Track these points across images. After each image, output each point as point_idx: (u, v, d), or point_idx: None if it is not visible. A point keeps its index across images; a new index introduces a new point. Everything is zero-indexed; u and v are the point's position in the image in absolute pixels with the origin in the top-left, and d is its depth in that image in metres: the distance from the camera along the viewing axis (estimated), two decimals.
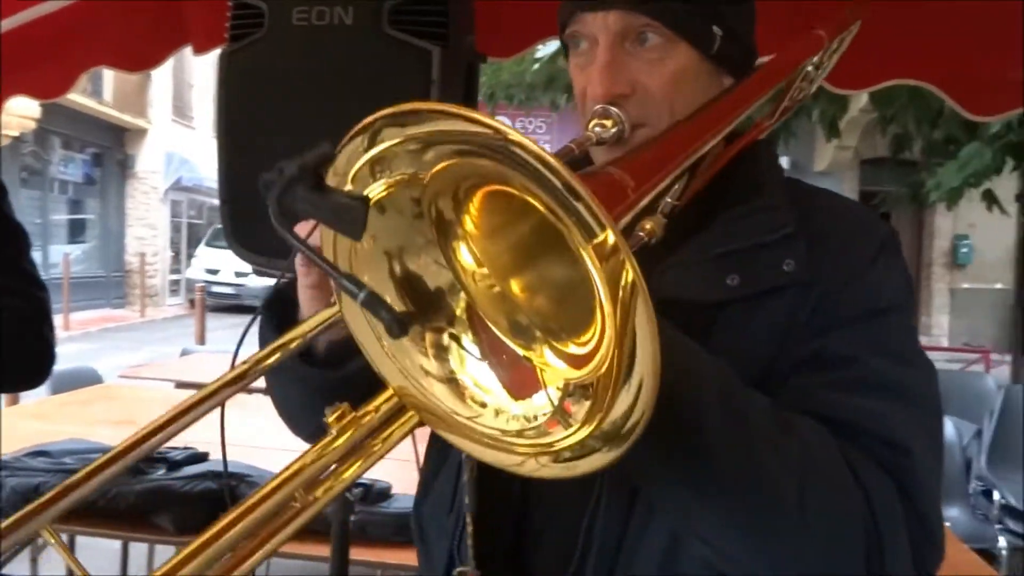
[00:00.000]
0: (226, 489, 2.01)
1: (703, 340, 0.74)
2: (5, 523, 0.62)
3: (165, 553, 3.27)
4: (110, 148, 16.39)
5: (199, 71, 18.41)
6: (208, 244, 17.36)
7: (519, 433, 0.61)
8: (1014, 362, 8.42)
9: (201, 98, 19.01)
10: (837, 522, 0.68)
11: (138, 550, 3.23)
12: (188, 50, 2.33)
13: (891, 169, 10.37)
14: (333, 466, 0.69)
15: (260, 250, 1.69)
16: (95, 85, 14.21)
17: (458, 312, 0.66)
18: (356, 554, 1.87)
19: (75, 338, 12.24)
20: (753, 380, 0.73)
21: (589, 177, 0.62)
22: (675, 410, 0.63)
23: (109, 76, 14.00)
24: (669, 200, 0.78)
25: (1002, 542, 3.45)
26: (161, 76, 16.42)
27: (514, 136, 0.51)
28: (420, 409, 0.67)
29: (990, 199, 6.57)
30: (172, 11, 2.28)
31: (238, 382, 0.72)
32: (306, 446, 0.70)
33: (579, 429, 0.58)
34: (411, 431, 0.71)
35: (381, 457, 0.71)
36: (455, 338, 0.66)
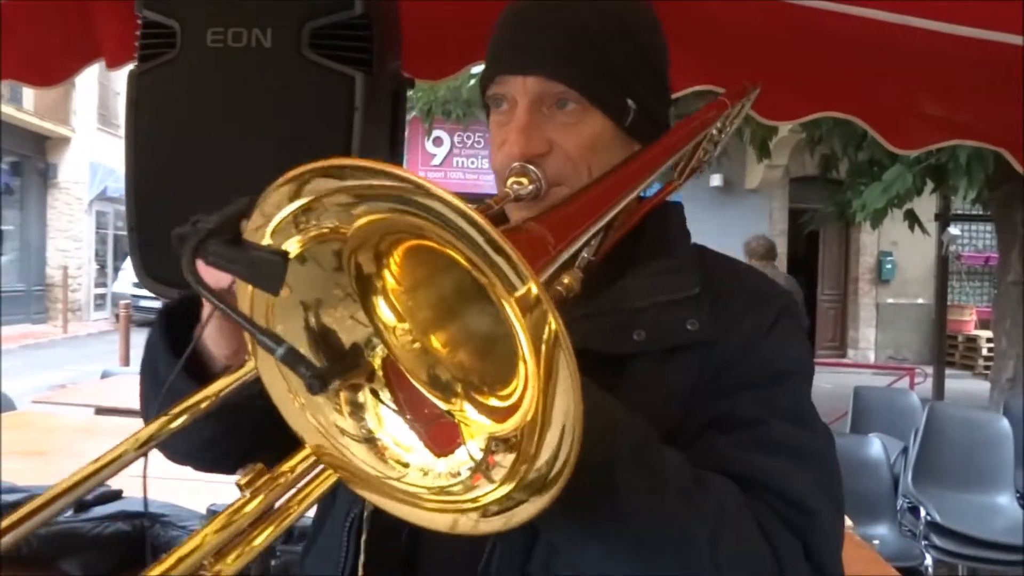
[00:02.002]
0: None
1: (609, 392, 0.76)
2: None
3: None
4: (30, 157, 15.72)
5: (126, 79, 17.82)
6: None
7: (444, 490, 0.60)
8: (936, 376, 8.73)
9: None
10: (748, 574, 0.70)
11: None
12: None
13: (820, 187, 10.68)
14: (245, 531, 0.66)
15: (171, 282, 1.59)
16: (15, 92, 13.62)
17: (374, 369, 0.65)
18: None
19: None
20: (660, 436, 0.74)
21: (512, 232, 0.63)
22: (586, 460, 0.62)
23: None
24: (585, 255, 0.81)
25: (928, 560, 3.52)
26: (86, 84, 15.86)
27: (437, 191, 0.51)
28: (340, 469, 0.64)
29: (912, 219, 6.81)
30: (82, 24, 2.17)
31: (143, 446, 0.68)
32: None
33: (503, 483, 0.57)
34: (330, 490, 0.68)
35: (298, 518, 0.68)
36: (372, 395, 0.65)
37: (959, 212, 10.75)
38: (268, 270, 0.56)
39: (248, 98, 1.52)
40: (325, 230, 0.58)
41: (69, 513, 2.10)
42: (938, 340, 9.46)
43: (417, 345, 0.63)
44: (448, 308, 0.64)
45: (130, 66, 2.14)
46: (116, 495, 2.18)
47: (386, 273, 0.62)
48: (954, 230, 10.15)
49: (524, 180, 0.81)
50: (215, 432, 0.84)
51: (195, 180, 1.57)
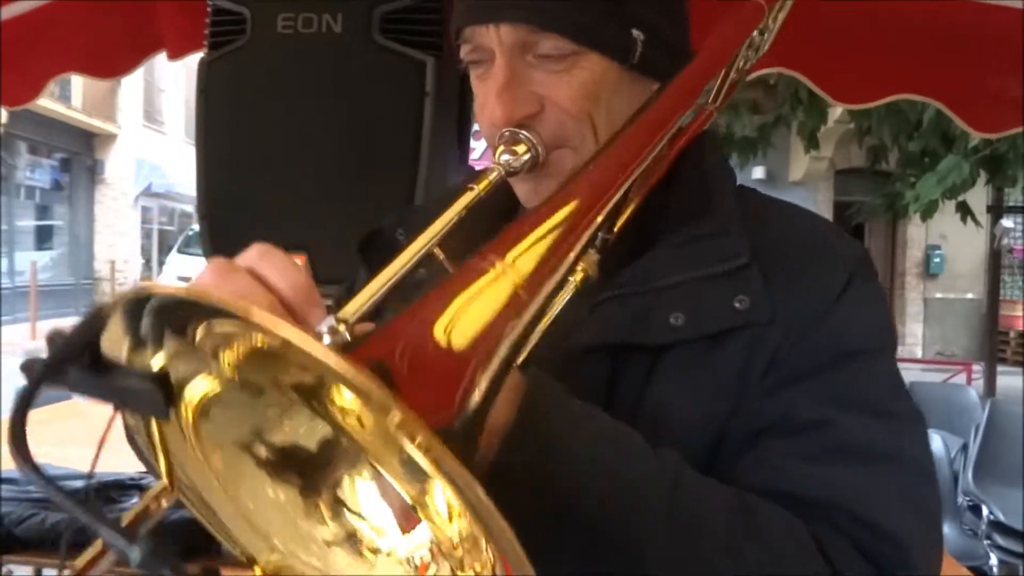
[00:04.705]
0: None
1: (641, 391, 0.67)
2: None
3: None
4: (79, 153, 16.08)
5: (170, 75, 18.16)
6: (180, 251, 17.09)
7: None
8: (987, 373, 8.50)
9: (172, 103, 18.74)
10: None
11: None
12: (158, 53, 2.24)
13: (866, 180, 10.46)
14: None
15: None
16: (63, 89, 13.93)
17: (351, 451, 0.54)
18: None
19: (43, 348, 11.93)
20: (704, 443, 0.65)
21: (463, 282, 0.50)
22: (612, 527, 0.55)
23: (78, 80, 13.70)
24: (600, 233, 0.65)
25: (993, 559, 3.42)
26: (131, 80, 16.15)
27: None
28: None
29: (964, 211, 6.63)
30: (144, 15, 2.19)
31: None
32: None
33: None
34: None
35: None
36: (351, 482, 0.54)
37: (1012, 204, 10.44)
38: (143, 397, 0.44)
39: (319, 84, 1.52)
40: (210, 375, 0.47)
41: (135, 500, 2.14)
42: (989, 336, 9.22)
43: (386, 424, 0.51)
44: None
45: (191, 57, 2.16)
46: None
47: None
48: (1007, 223, 9.87)
49: (518, 149, 0.67)
50: None
51: (265, 168, 1.57)
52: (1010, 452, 3.82)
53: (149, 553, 0.39)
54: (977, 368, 8.10)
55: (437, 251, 0.59)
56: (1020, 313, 13.06)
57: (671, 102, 0.70)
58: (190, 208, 20.41)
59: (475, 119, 0.75)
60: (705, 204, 0.72)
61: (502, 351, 0.49)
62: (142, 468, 2.34)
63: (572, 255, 0.57)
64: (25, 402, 0.41)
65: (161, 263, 18.06)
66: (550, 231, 0.56)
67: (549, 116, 0.69)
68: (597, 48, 0.68)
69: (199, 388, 0.47)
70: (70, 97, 14.57)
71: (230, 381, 0.47)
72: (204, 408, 0.48)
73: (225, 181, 1.60)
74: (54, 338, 0.44)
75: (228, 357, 0.45)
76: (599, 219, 0.60)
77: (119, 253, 16.80)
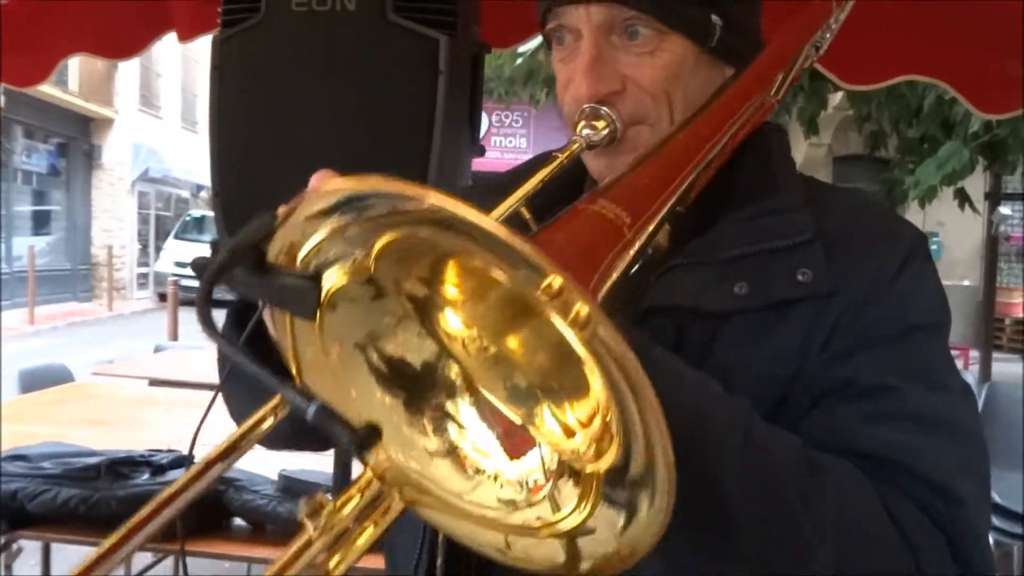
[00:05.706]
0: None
1: (703, 355, 0.69)
2: None
3: (143, 560, 3.17)
4: (75, 138, 16.02)
5: (167, 60, 18.08)
6: (177, 237, 17.08)
7: (512, 504, 0.54)
8: (983, 359, 8.54)
9: (169, 88, 18.67)
10: None
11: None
12: None
13: (864, 166, 10.48)
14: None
15: None
16: (60, 73, 13.81)
17: (454, 377, 0.57)
18: None
19: (41, 332, 11.96)
20: (765, 408, 0.66)
21: (577, 216, 0.56)
22: (688, 467, 0.56)
23: (75, 64, 13.66)
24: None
25: (990, 540, 3.46)
26: (128, 65, 16.06)
27: (444, 204, 0.42)
28: (409, 488, 0.56)
29: (963, 197, 6.64)
30: None
31: (229, 455, 0.54)
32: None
33: (572, 513, 0.51)
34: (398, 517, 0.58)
35: (366, 551, 0.56)
36: (453, 405, 0.58)
37: (1010, 191, 10.47)
38: (299, 296, 0.50)
39: (332, 62, 1.52)
40: (341, 265, 0.51)
41: (146, 476, 2.16)
42: (986, 323, 9.26)
43: (492, 351, 0.55)
44: (520, 310, 0.54)
45: (202, 38, 2.17)
46: (189, 460, 2.23)
47: (443, 288, 0.54)
48: (1005, 210, 9.89)
49: (598, 124, 0.73)
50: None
51: (279, 146, 1.58)
52: (1007, 435, 3.87)
53: (321, 410, 0.47)
54: (973, 354, 8.13)
55: (523, 211, 0.64)
56: (1016, 300, 13.11)
57: (747, 86, 0.76)
58: (186, 194, 20.36)
59: (557, 93, 0.81)
60: (770, 184, 0.77)
61: (607, 284, 0.53)
62: (152, 447, 2.35)
63: (670, 203, 0.64)
64: (208, 290, 0.48)
65: (158, 248, 18.04)
66: (653, 173, 0.65)
67: (630, 94, 0.75)
68: (682, 30, 0.74)
69: (335, 276, 0.51)
70: (67, 81, 14.50)
71: (364, 273, 0.51)
72: (333, 301, 0.52)
73: (238, 159, 1.61)
74: (218, 246, 0.50)
75: (375, 242, 0.49)
76: (690, 179, 0.67)
77: (116, 238, 16.76)
